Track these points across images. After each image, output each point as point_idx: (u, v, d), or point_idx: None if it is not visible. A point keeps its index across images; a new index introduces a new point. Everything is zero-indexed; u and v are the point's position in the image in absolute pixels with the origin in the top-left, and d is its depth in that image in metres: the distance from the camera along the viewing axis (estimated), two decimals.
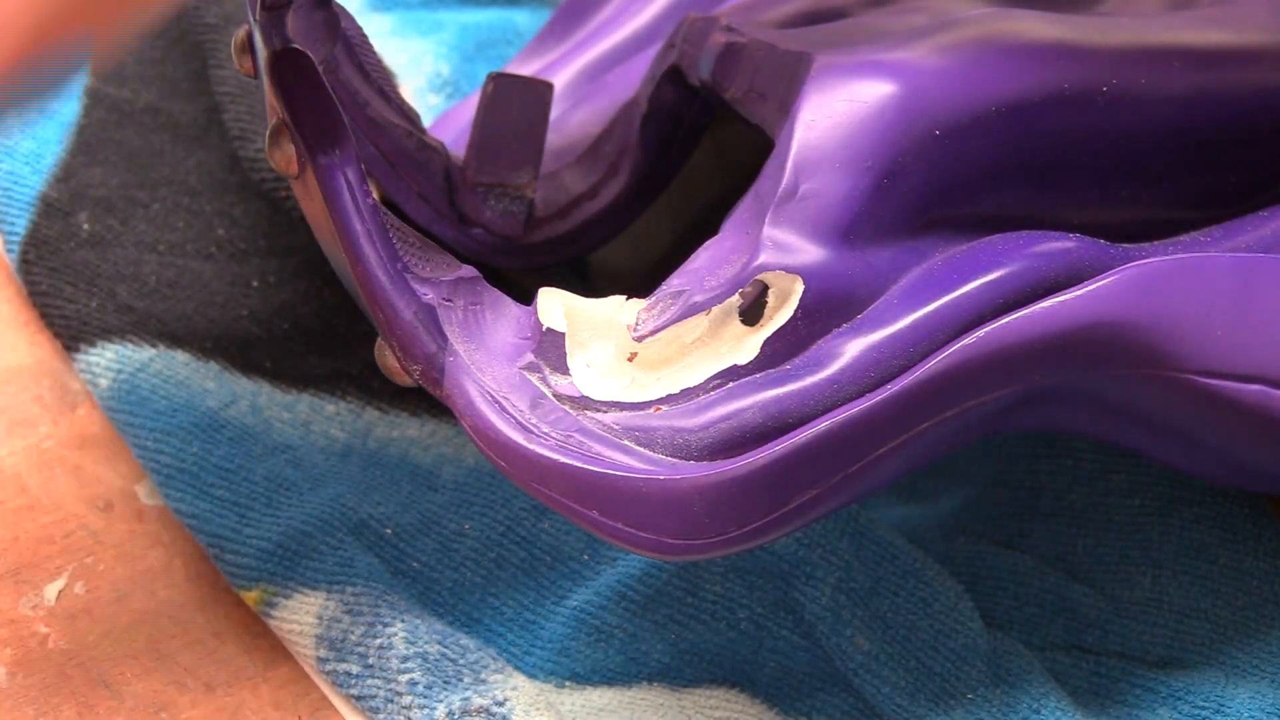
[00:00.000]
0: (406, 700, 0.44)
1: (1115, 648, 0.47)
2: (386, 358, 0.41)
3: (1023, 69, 0.42)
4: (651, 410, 0.40)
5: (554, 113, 0.50)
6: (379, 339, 0.41)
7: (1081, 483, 0.49)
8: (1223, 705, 0.45)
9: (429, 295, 0.40)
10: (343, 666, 0.45)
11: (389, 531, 0.48)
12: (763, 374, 0.41)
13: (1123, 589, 0.48)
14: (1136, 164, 0.44)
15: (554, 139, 0.50)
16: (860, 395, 0.40)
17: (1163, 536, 0.48)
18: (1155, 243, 0.44)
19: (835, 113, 0.41)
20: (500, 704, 0.44)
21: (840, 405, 0.39)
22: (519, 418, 0.40)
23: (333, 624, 0.45)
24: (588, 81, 0.52)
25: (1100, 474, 0.49)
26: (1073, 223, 0.43)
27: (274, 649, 0.46)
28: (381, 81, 0.46)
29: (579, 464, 0.39)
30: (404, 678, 0.44)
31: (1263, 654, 0.46)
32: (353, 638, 0.45)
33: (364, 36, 0.45)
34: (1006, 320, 0.40)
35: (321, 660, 0.45)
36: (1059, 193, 0.44)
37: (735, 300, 0.41)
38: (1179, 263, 0.41)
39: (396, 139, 0.47)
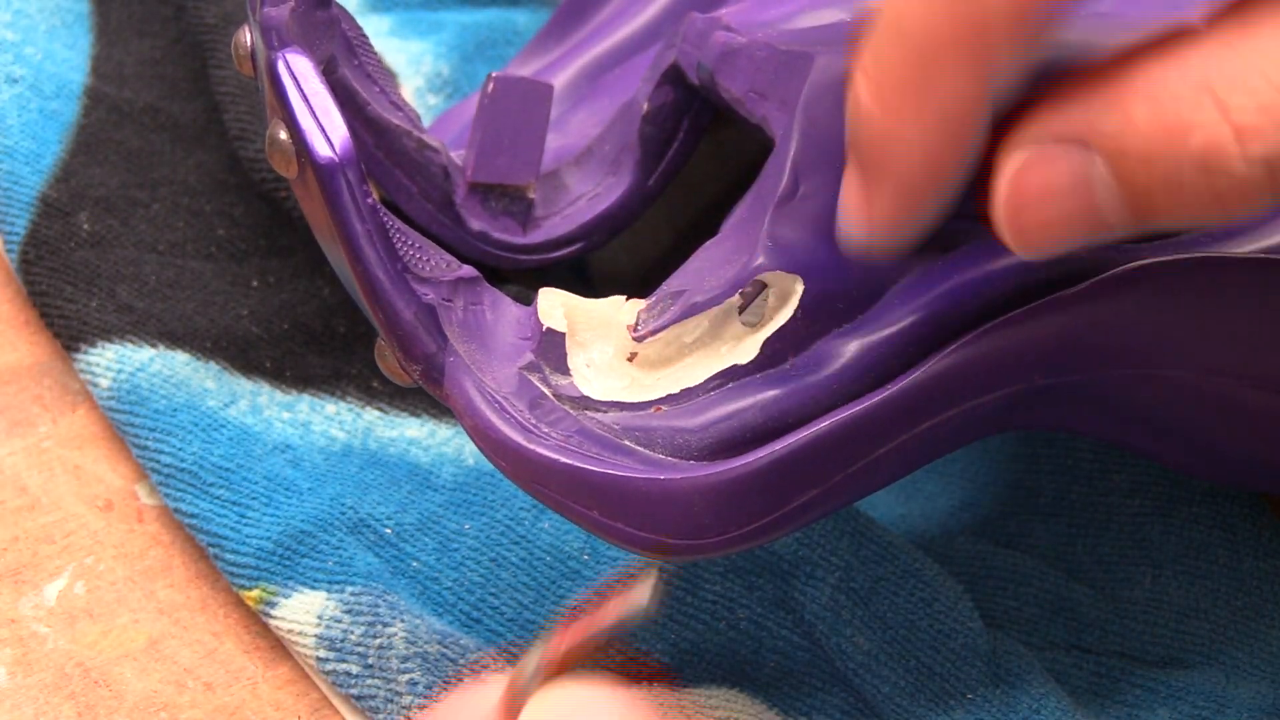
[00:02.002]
0: (406, 700, 0.44)
1: (1115, 647, 0.47)
2: (386, 358, 0.41)
3: None
4: (651, 410, 0.40)
5: (554, 113, 0.50)
6: (379, 339, 0.41)
7: (1081, 483, 0.49)
8: (1223, 705, 0.45)
9: (429, 295, 0.40)
10: (343, 666, 0.44)
11: (389, 531, 0.48)
12: (763, 374, 0.41)
13: (1123, 589, 0.48)
14: None
15: (554, 139, 0.50)
16: (860, 395, 0.39)
17: (1163, 536, 0.48)
18: (1155, 242, 0.44)
19: (837, 113, 0.41)
20: None
21: (840, 405, 0.39)
22: (519, 418, 0.40)
23: (333, 624, 0.45)
24: (588, 81, 0.52)
25: (1100, 474, 0.49)
26: None
27: (274, 649, 0.46)
28: (381, 82, 0.46)
29: (579, 464, 0.39)
30: (404, 678, 0.44)
31: (1263, 654, 0.46)
32: (353, 638, 0.45)
33: (364, 37, 0.45)
34: (1005, 319, 0.40)
35: (321, 660, 0.45)
36: None
37: (735, 300, 0.41)
38: (1180, 262, 0.40)
39: (396, 139, 0.46)
